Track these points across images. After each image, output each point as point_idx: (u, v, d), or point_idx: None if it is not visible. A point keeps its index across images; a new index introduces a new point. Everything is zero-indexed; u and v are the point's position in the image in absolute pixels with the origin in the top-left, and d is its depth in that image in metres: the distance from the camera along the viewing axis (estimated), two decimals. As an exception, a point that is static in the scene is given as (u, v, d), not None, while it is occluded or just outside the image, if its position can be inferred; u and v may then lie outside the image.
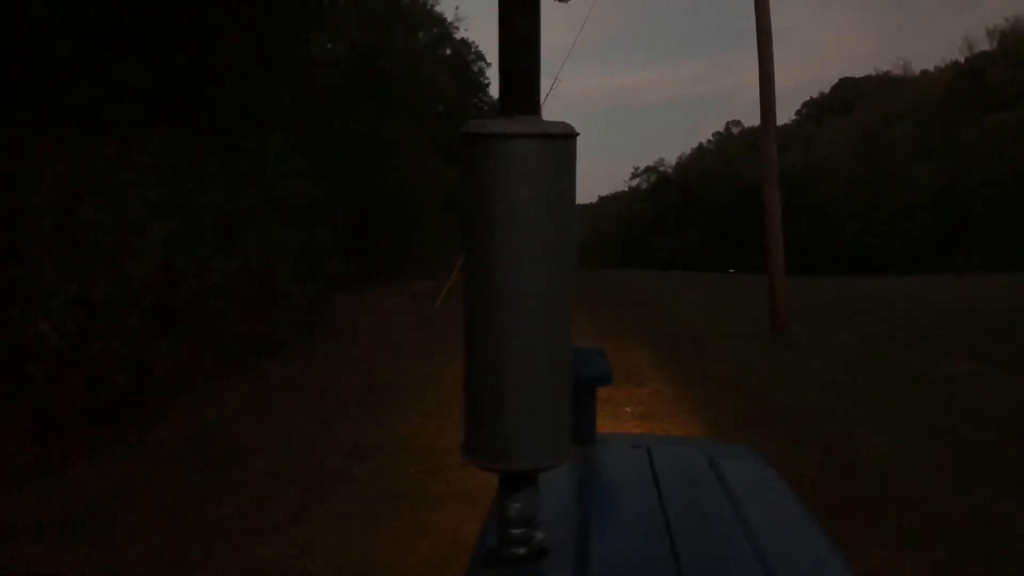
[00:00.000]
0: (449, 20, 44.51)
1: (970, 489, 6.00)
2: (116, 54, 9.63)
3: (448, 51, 47.81)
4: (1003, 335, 13.18)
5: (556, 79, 15.97)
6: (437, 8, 44.33)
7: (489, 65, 49.21)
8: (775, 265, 13.56)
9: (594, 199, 77.07)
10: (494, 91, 49.86)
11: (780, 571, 1.13)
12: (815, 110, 65.63)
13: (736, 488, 1.46)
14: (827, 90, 67.77)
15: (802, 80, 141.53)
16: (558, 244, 1.02)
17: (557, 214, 1.02)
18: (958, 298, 19.06)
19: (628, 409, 8.05)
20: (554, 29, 1.26)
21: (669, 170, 60.54)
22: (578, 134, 1.04)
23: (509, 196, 0.99)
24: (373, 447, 6.93)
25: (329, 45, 23.48)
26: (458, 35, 47.50)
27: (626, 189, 65.78)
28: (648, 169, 61.79)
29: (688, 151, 64.52)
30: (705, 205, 54.09)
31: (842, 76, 72.15)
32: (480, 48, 48.27)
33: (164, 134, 9.82)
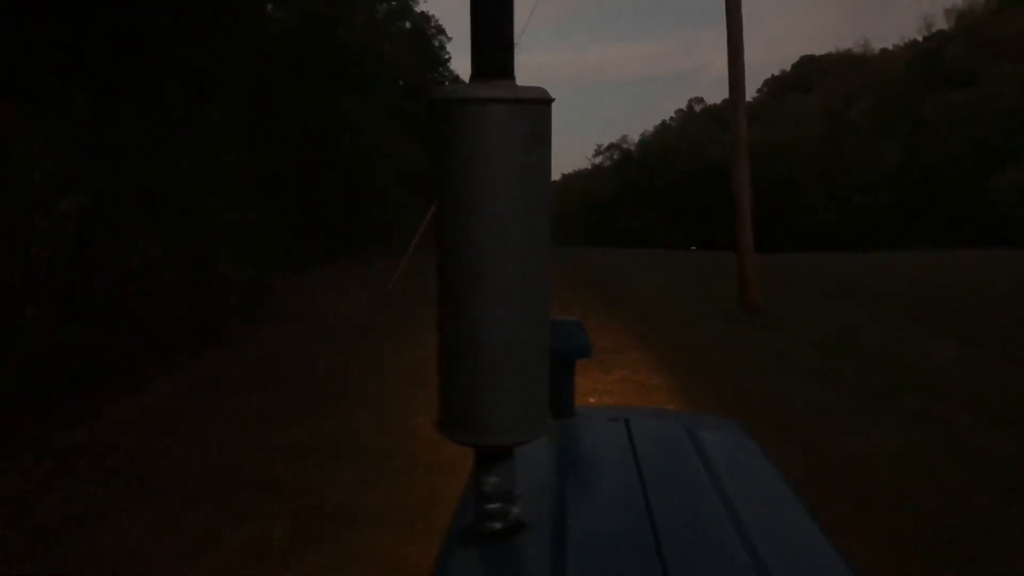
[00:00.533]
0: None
1: (967, 488, 5.34)
2: (26, 7, 8.58)
3: (408, 24, 46.58)
4: (982, 315, 12.63)
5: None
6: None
7: (450, 39, 48.05)
8: (744, 242, 12.86)
9: (557, 177, 76.28)
10: (455, 66, 48.97)
11: (759, 541, 1.10)
12: (777, 88, 65.18)
13: (715, 460, 1.44)
14: (788, 68, 67.39)
15: (764, 58, 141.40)
16: (535, 212, 0.99)
17: (533, 182, 0.98)
18: (928, 274, 18.55)
19: (593, 399, 7.30)
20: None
21: (632, 147, 59.81)
22: (553, 99, 0.99)
23: (483, 163, 0.95)
24: (304, 451, 6.07)
25: (282, 15, 22.38)
26: (418, 7, 46.25)
27: (589, 167, 64.98)
28: (611, 146, 60.99)
29: (651, 129, 63.86)
30: (668, 182, 53.54)
31: (803, 54, 71.84)
32: (440, 22, 47.05)
33: (83, 100, 8.82)
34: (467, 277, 0.98)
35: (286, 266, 16.69)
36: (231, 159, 14.24)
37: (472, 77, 0.98)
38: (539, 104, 0.98)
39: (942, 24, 63.40)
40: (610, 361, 8.83)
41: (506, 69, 0.99)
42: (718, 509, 1.21)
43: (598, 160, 62.94)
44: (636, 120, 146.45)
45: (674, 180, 53.86)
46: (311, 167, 19.36)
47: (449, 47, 48.34)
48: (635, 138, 61.51)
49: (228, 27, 15.31)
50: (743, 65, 12.68)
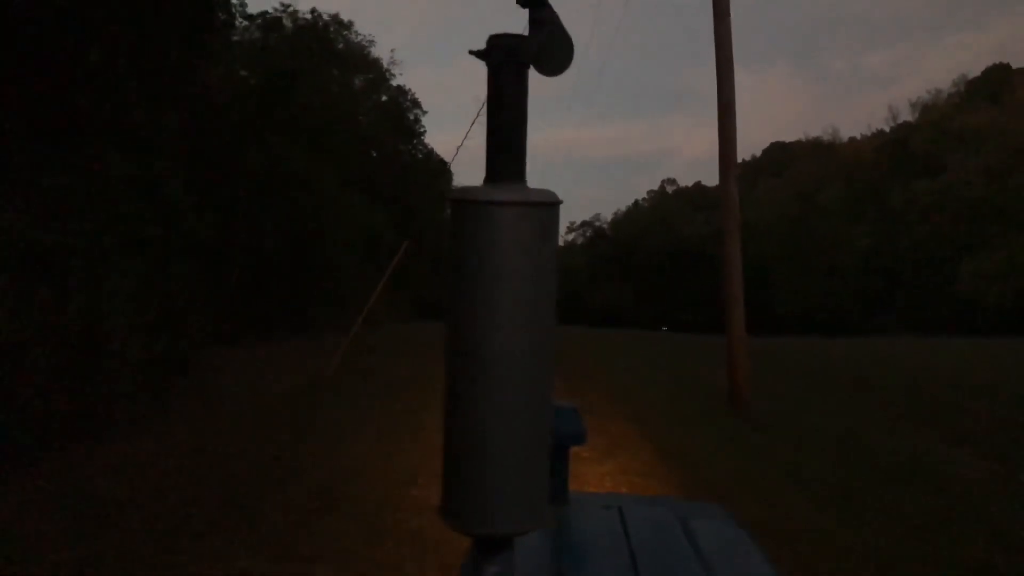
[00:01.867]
0: (384, 64, 42.19)
1: None
2: None
3: (384, 97, 45.55)
4: (989, 417, 10.91)
5: (459, 148, 14.35)
6: (372, 52, 42.19)
7: (426, 113, 47.03)
8: (735, 329, 11.10)
9: None
10: (429, 139, 47.96)
11: None
12: (747, 172, 64.78)
13: (707, 548, 1.45)
14: (759, 154, 67.23)
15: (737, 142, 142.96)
16: (541, 307, 1.01)
17: (540, 278, 1.01)
18: (912, 364, 16.86)
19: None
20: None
21: (605, 225, 58.72)
22: (561, 202, 1.03)
23: (494, 261, 0.98)
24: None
25: (242, 72, 20.80)
26: (395, 81, 45.30)
27: (561, 244, 63.83)
28: (584, 224, 59.89)
29: (623, 208, 62.95)
30: (639, 261, 52.31)
31: (773, 140, 71.89)
32: (416, 95, 46.04)
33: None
34: (473, 369, 0.99)
35: (220, 338, 14.68)
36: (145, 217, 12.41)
37: (486, 179, 1.02)
38: (548, 207, 1.01)
39: (907, 116, 64.12)
40: (587, 473, 6.93)
41: (518, 172, 1.03)
42: None
43: (570, 237, 61.79)
44: (608, 200, 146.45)
45: (646, 260, 52.66)
46: (257, 229, 17.50)
47: (424, 120, 47.41)
48: (608, 217, 60.58)
49: (166, 77, 13.65)
50: (735, 123, 11.13)
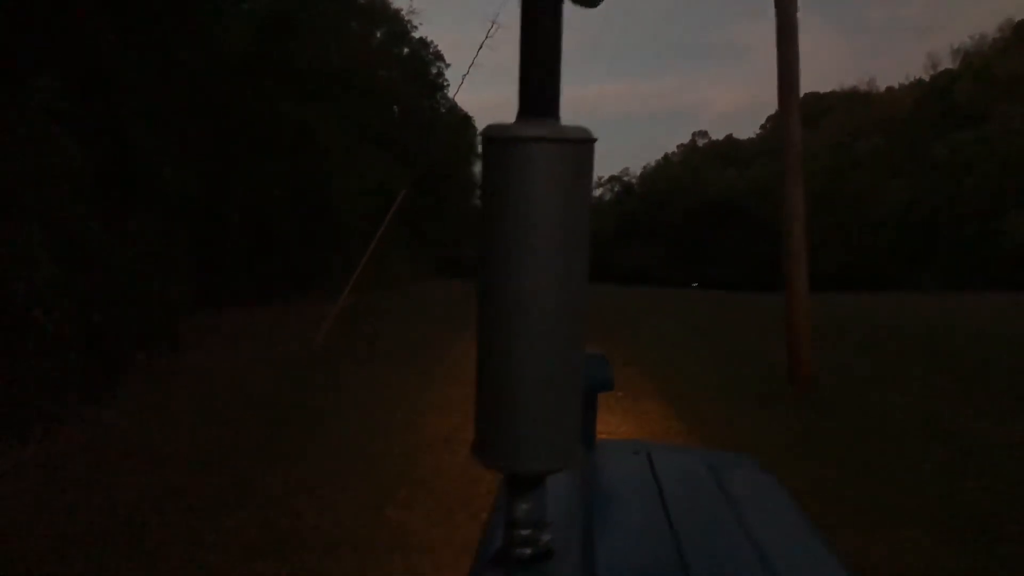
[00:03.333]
0: (404, 12, 39.79)
1: None
2: None
3: (406, 50, 43.28)
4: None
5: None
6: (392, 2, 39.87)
7: (448, 66, 44.73)
8: (796, 288, 9.08)
9: None
10: (452, 92, 45.72)
11: (782, 574, 1.09)
12: (780, 123, 61.67)
13: (737, 494, 1.42)
14: (792, 105, 63.86)
15: (766, 96, 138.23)
16: (575, 247, 0.97)
17: (574, 218, 0.96)
18: (972, 325, 14.61)
19: None
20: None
21: (634, 180, 56.15)
22: (596, 139, 0.97)
23: (527, 199, 0.93)
24: None
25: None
26: (416, 34, 42.99)
27: (589, 200, 61.29)
28: (612, 179, 57.34)
29: (653, 163, 60.18)
30: (669, 217, 49.93)
31: (807, 91, 68.46)
32: (439, 47, 43.71)
33: None
34: (508, 309, 0.96)
35: (208, 303, 12.93)
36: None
37: (519, 115, 0.96)
38: (583, 143, 0.96)
39: (948, 64, 60.46)
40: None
41: (552, 108, 0.97)
42: (741, 541, 1.20)
43: (598, 193, 59.30)
44: (638, 155, 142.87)
45: (675, 215, 50.29)
46: (258, 185, 15.62)
47: (448, 73, 45.11)
48: (637, 171, 57.92)
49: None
50: (797, 47, 9.01)
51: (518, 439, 0.98)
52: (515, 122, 0.96)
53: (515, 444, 0.98)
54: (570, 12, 0.98)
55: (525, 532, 1.04)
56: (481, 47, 12.95)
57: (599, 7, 1.02)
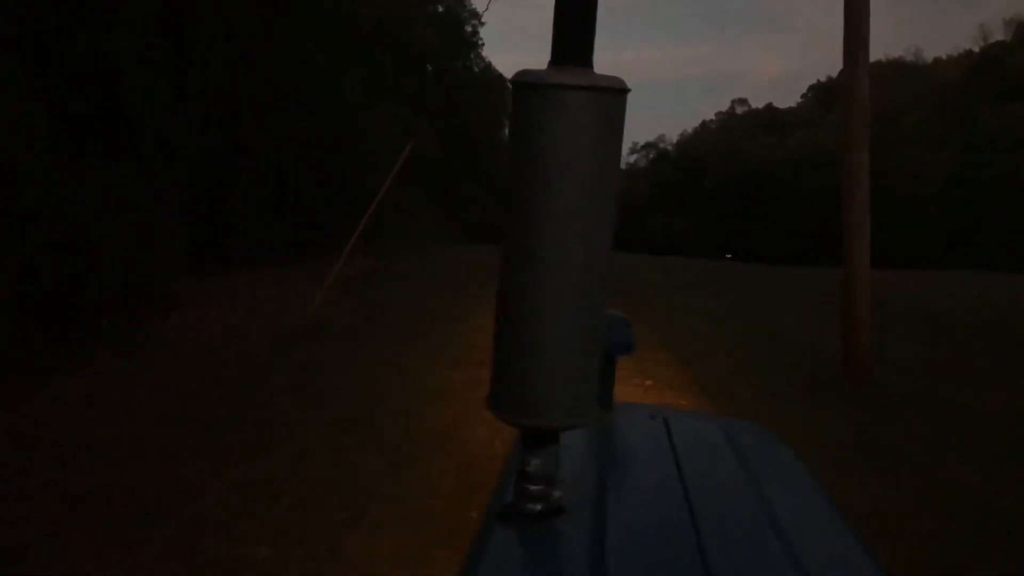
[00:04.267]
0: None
1: None
2: None
3: (440, 8, 41.70)
4: None
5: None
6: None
7: (483, 24, 43.19)
8: (856, 266, 7.81)
9: None
10: (487, 52, 44.32)
11: (794, 540, 1.07)
12: (822, 94, 59.17)
13: (752, 461, 1.41)
14: (834, 75, 61.29)
15: (808, 65, 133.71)
16: (603, 200, 0.93)
17: (604, 171, 0.93)
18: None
19: None
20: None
21: (670, 147, 54.27)
22: (629, 90, 0.94)
23: (557, 148, 0.90)
24: None
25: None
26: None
27: (623, 166, 59.52)
28: (647, 145, 55.49)
29: (690, 130, 58.12)
30: (706, 186, 48.20)
31: (851, 61, 65.58)
32: (475, 5, 42.05)
33: None
34: (530, 261, 0.93)
35: (215, 262, 11.95)
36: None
37: (551, 62, 0.92)
38: (616, 93, 0.92)
39: (1000, 35, 57.52)
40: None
41: (586, 56, 0.93)
42: (755, 507, 1.19)
43: (633, 159, 57.55)
44: (675, 122, 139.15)
45: (711, 185, 48.50)
46: (275, 141, 14.53)
47: (483, 32, 43.55)
48: (673, 138, 55.95)
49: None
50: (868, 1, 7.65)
51: (534, 394, 0.95)
52: (547, 68, 0.91)
53: (531, 399, 0.95)
54: None
55: (536, 488, 1.01)
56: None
57: None
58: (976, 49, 57.30)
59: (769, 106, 58.48)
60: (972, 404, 7.22)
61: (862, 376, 7.75)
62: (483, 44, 42.72)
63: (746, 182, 47.82)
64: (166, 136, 10.66)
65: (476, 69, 41.76)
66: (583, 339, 0.95)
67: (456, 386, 6.77)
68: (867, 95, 7.86)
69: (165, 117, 10.75)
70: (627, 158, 57.84)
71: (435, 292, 13.06)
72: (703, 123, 57.65)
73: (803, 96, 62.32)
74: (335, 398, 6.52)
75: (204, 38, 12.03)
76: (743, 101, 59.62)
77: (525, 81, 0.91)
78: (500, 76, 42.93)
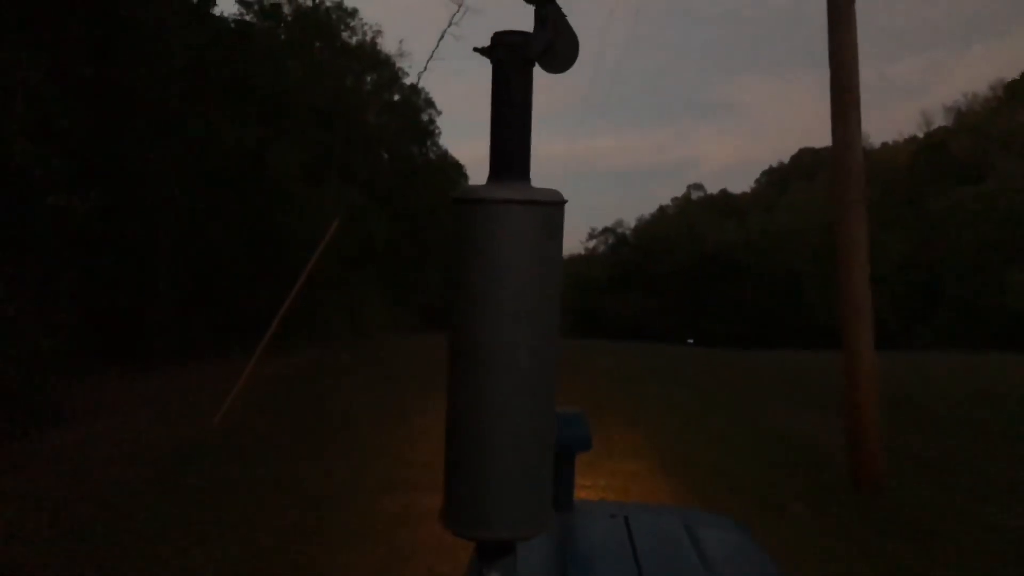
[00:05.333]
0: (391, 56, 37.87)
1: None
2: None
3: (396, 96, 41.31)
4: None
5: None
6: (380, 46, 38.08)
7: (440, 113, 42.79)
8: (859, 355, 6.57)
9: None
10: (444, 140, 44.03)
11: None
12: (776, 178, 59.80)
13: (714, 557, 1.38)
14: (786, 160, 62.18)
15: (760, 153, 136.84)
16: (544, 308, 0.94)
17: (544, 279, 0.94)
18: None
19: None
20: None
21: (628, 232, 53.85)
22: (566, 201, 0.97)
23: (497, 260, 0.92)
24: None
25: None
26: (408, 80, 41.06)
27: (582, 252, 58.87)
28: (606, 230, 55.00)
29: (647, 215, 57.97)
30: (664, 270, 47.66)
31: (801, 146, 66.91)
32: (430, 95, 41.82)
33: None
34: (477, 370, 0.93)
35: (125, 361, 10.41)
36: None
37: (490, 177, 0.96)
38: (553, 205, 0.95)
39: (941, 120, 59.20)
40: None
41: (523, 171, 0.97)
42: None
43: (591, 244, 56.99)
44: (632, 208, 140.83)
45: (670, 268, 47.95)
46: (199, 225, 13.15)
47: (439, 121, 43.19)
48: (631, 223, 55.65)
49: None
50: (855, 36, 6.66)
51: (486, 505, 0.93)
52: (486, 184, 0.94)
53: (483, 510, 0.93)
54: (544, 77, 0.97)
55: None
56: (444, 33, 10.83)
57: (568, 71, 1.00)
58: (920, 135, 58.86)
59: (723, 191, 58.86)
60: (999, 522, 5.92)
61: (874, 485, 6.43)
62: (439, 133, 42.31)
63: (705, 266, 47.49)
64: (63, 222, 9.24)
65: (432, 156, 41.18)
66: (534, 444, 0.93)
67: (384, 522, 5.28)
68: (860, 156, 6.78)
69: (63, 198, 9.36)
70: (585, 244, 57.35)
71: (376, 389, 11.58)
72: (660, 208, 57.64)
73: (756, 181, 63.03)
74: (218, 538, 4.99)
75: (114, 111, 10.74)
76: (699, 186, 59.98)
77: (467, 197, 0.92)
78: (457, 163, 42.54)
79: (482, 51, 0.97)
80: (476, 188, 0.94)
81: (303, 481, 6.36)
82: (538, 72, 0.98)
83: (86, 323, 10.03)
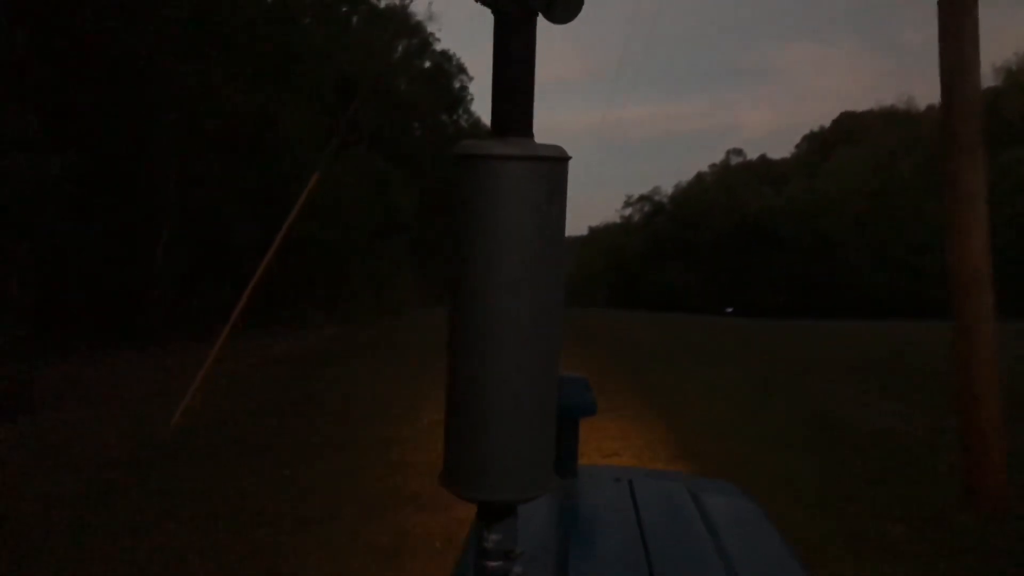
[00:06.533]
0: (422, 20, 36.16)
1: None
2: None
3: (427, 63, 39.73)
4: None
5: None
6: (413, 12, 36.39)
7: (472, 79, 41.11)
8: (976, 338, 5.08)
9: (584, 231, 67.16)
10: (476, 107, 42.33)
11: None
12: (816, 144, 57.12)
13: (717, 522, 1.35)
14: (827, 124, 59.38)
15: (799, 117, 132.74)
16: (548, 268, 0.91)
17: (547, 238, 0.90)
18: None
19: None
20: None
21: (665, 200, 51.81)
22: (570, 157, 0.93)
23: (499, 218, 0.88)
24: None
25: None
26: (439, 46, 39.42)
27: (618, 220, 56.94)
28: (642, 198, 53.00)
29: (684, 183, 55.75)
30: (703, 238, 45.75)
31: (842, 111, 64.01)
32: (461, 60, 40.18)
33: None
34: (478, 331, 0.89)
35: (113, 345, 9.25)
36: None
37: (491, 133, 0.91)
38: (556, 162, 0.91)
39: (990, 81, 55.97)
40: None
41: (526, 126, 0.92)
42: (719, 572, 1.14)
43: (628, 212, 55.07)
44: (669, 176, 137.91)
45: (708, 236, 46.01)
46: (203, 195, 11.90)
47: (472, 87, 41.53)
48: (668, 190, 53.52)
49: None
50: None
51: (489, 468, 0.91)
52: (487, 139, 0.90)
53: (484, 472, 0.91)
54: (553, 29, 0.93)
55: (495, 563, 0.96)
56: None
57: (573, 20, 0.93)
58: (967, 96, 55.69)
59: (762, 156, 56.46)
60: None
61: (996, 501, 4.95)
62: (472, 99, 40.74)
63: (746, 233, 45.44)
64: (32, 189, 8.01)
65: (464, 124, 39.67)
66: (536, 408, 0.91)
67: (357, 553, 3.95)
68: (980, 93, 5.21)
69: (40, 160, 8.13)
70: (620, 211, 55.44)
71: (389, 372, 10.29)
72: (698, 174, 55.35)
73: (796, 147, 60.43)
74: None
75: (91, 62, 9.42)
76: (738, 151, 57.59)
77: (466, 153, 0.89)
78: (488, 131, 41.00)
79: (483, 1, 0.89)
80: (476, 143, 0.88)
81: (272, 514, 5.06)
82: (573, 40, 0.88)
83: (63, 300, 8.84)
